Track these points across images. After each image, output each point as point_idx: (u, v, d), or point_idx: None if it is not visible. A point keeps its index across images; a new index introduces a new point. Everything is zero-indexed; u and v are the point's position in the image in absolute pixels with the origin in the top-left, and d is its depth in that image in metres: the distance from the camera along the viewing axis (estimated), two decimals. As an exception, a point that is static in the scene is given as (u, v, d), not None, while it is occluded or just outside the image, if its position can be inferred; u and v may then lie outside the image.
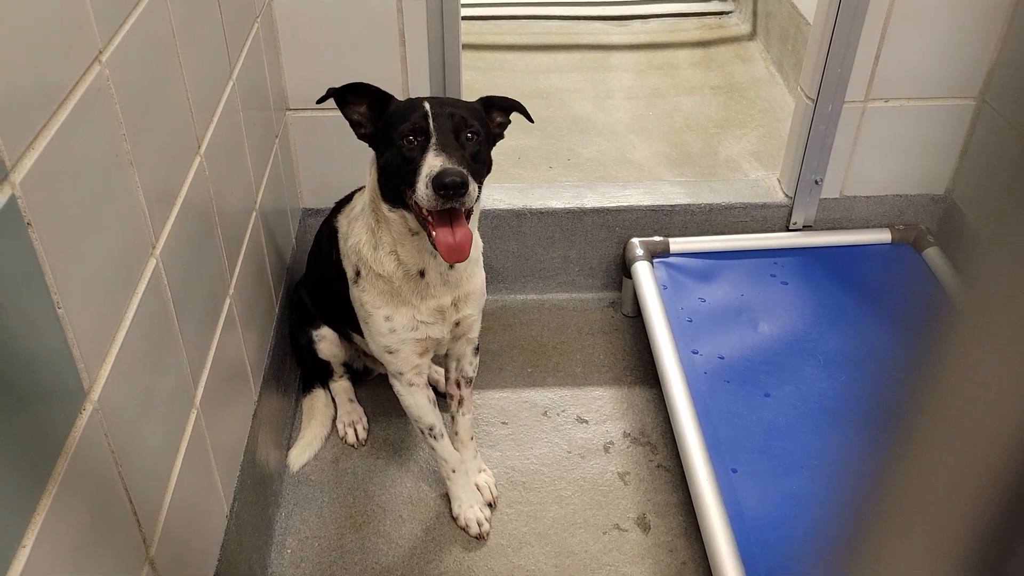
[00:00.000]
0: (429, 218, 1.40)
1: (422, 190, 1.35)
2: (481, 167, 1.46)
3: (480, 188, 1.45)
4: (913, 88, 2.10)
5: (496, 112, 1.57)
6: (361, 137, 1.53)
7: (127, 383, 1.03)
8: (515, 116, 1.61)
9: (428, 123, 1.40)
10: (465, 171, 1.35)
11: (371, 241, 1.55)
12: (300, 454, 1.88)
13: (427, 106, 1.42)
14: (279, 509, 1.78)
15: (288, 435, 1.93)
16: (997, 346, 0.31)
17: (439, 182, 1.33)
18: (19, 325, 0.81)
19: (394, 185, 1.44)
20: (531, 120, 1.64)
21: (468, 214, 1.43)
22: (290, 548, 1.72)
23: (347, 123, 1.52)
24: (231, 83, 1.55)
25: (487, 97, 1.56)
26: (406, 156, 1.40)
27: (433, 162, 1.36)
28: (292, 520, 1.77)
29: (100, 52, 1.00)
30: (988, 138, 2.08)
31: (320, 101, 1.51)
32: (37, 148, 0.85)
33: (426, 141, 1.39)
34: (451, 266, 1.53)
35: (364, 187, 1.61)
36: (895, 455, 0.36)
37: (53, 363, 0.87)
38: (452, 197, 1.34)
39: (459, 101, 1.52)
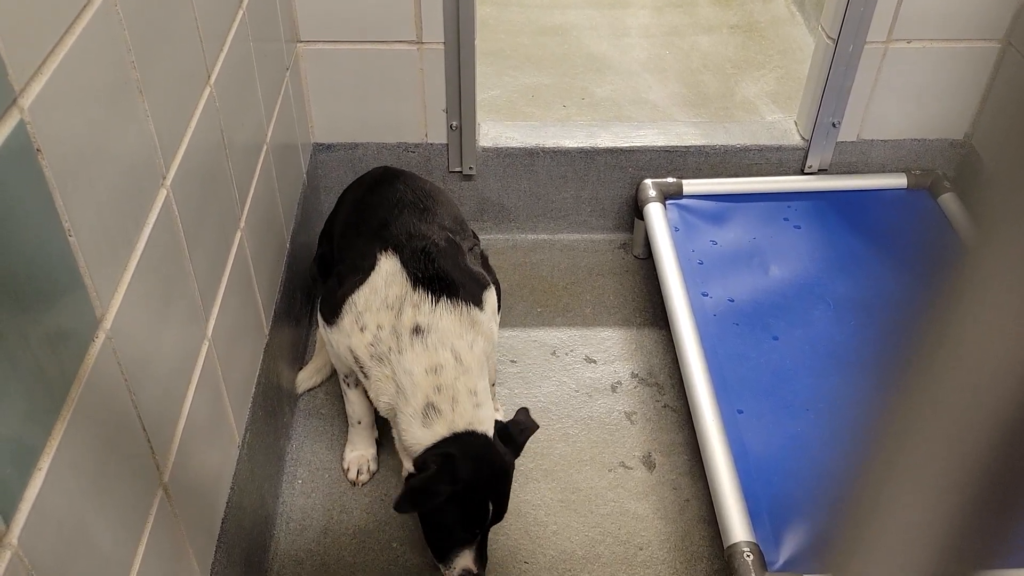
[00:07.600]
0: None
1: (447, 568, 1.47)
2: None
3: None
4: (937, 29, 2.05)
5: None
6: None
7: (139, 312, 1.04)
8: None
9: (483, 542, 1.46)
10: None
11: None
12: (308, 377, 1.90)
13: (490, 510, 1.44)
14: (290, 441, 1.81)
15: (299, 369, 1.95)
16: (1005, 291, 0.31)
17: None
18: (31, 252, 0.81)
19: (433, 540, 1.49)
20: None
21: None
22: (301, 479, 1.75)
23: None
24: (241, 12, 1.53)
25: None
26: (446, 534, 1.46)
27: (467, 565, 1.45)
28: (303, 452, 1.80)
29: (108, -24, 0.98)
30: (1011, 82, 2.03)
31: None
32: (45, 73, 0.84)
33: (470, 545, 1.45)
34: None
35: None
36: (899, 399, 0.36)
37: (65, 291, 0.88)
38: None
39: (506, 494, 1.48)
